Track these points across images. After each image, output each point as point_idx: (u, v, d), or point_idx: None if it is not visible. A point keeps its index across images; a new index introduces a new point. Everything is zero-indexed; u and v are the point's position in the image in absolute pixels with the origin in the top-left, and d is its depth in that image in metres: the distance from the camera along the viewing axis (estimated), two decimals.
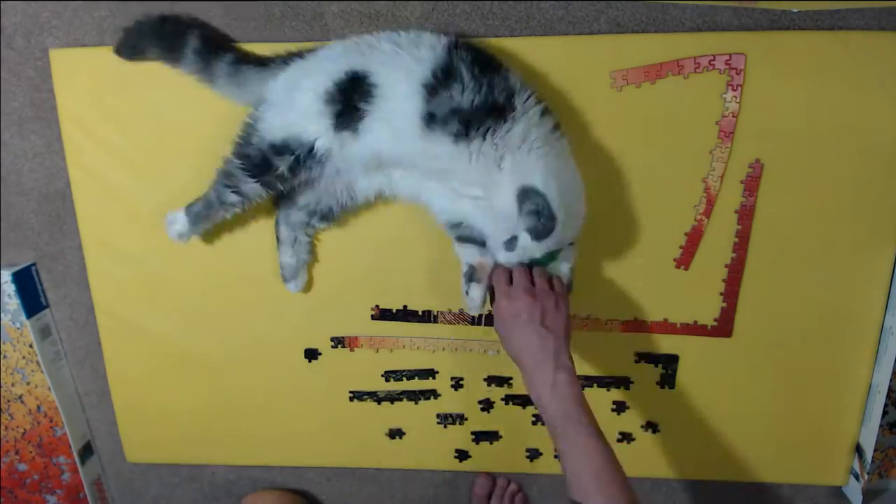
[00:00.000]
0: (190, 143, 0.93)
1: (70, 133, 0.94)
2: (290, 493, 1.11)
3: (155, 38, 0.87)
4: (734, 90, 0.86)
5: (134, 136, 0.94)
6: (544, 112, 0.79)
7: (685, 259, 0.93)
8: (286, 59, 0.84)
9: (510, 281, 0.83)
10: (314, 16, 0.88)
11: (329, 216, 0.90)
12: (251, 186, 0.84)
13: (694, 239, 0.92)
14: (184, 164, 0.94)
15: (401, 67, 0.76)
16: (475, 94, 0.75)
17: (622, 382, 0.99)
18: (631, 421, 1.01)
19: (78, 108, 0.93)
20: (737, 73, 0.85)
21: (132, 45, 0.89)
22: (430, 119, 0.75)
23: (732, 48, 0.84)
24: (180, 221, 0.89)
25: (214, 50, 0.85)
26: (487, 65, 0.77)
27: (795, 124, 0.87)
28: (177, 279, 0.99)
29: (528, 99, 0.78)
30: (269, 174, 0.82)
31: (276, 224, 0.93)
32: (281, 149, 0.80)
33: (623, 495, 0.71)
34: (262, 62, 0.84)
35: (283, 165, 0.81)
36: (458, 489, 1.09)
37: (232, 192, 0.85)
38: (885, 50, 0.84)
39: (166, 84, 0.91)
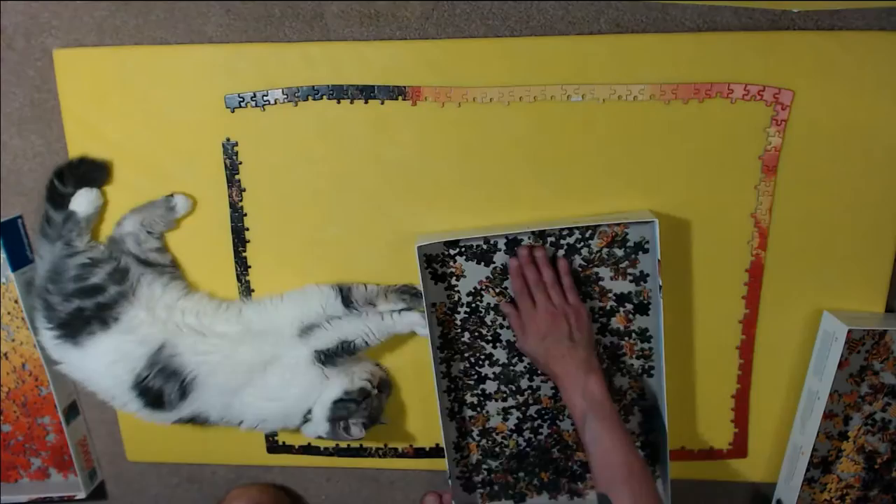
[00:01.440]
0: (193, 142, 0.93)
1: (73, 133, 0.94)
2: (274, 487, 1.11)
3: None
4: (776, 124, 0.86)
5: (137, 136, 0.94)
6: None
7: None
8: None
9: (532, 301, 0.88)
10: (314, 16, 0.89)
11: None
12: None
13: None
14: (187, 163, 0.94)
15: None
16: None
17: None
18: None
19: (81, 108, 0.93)
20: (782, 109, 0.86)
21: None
22: None
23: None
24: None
25: None
26: None
27: (794, 124, 0.87)
28: None
29: None
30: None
31: None
32: None
33: (646, 486, 0.78)
34: None
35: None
36: None
37: None
38: (885, 50, 0.84)
39: (169, 83, 0.91)
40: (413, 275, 0.91)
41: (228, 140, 0.93)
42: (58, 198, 0.91)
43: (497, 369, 0.96)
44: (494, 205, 0.92)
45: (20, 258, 1.00)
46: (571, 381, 0.84)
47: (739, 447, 1.01)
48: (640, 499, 0.76)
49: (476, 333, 0.95)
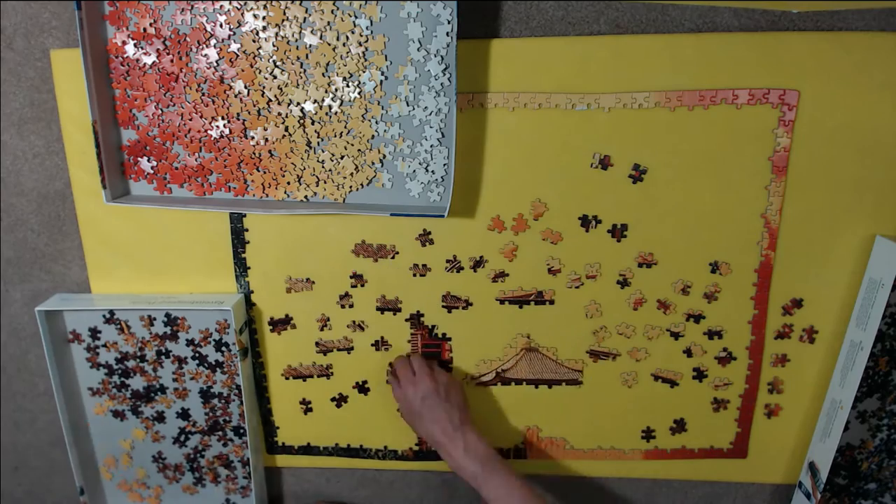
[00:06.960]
0: None
1: (71, 133, 0.94)
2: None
3: None
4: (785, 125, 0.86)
5: None
6: None
7: None
8: None
9: (412, 371, 0.94)
10: None
11: None
12: None
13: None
14: None
15: None
16: None
17: None
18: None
19: (78, 109, 0.93)
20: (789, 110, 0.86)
21: None
22: None
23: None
24: None
25: None
26: None
27: (802, 124, 0.87)
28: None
29: None
30: None
31: None
32: None
33: None
34: None
35: None
36: (458, 489, 1.09)
37: None
38: (885, 50, 0.84)
39: None
40: None
41: None
42: None
43: None
44: (495, 204, 0.93)
45: None
46: (453, 444, 0.87)
47: (740, 447, 1.01)
48: None
49: None
